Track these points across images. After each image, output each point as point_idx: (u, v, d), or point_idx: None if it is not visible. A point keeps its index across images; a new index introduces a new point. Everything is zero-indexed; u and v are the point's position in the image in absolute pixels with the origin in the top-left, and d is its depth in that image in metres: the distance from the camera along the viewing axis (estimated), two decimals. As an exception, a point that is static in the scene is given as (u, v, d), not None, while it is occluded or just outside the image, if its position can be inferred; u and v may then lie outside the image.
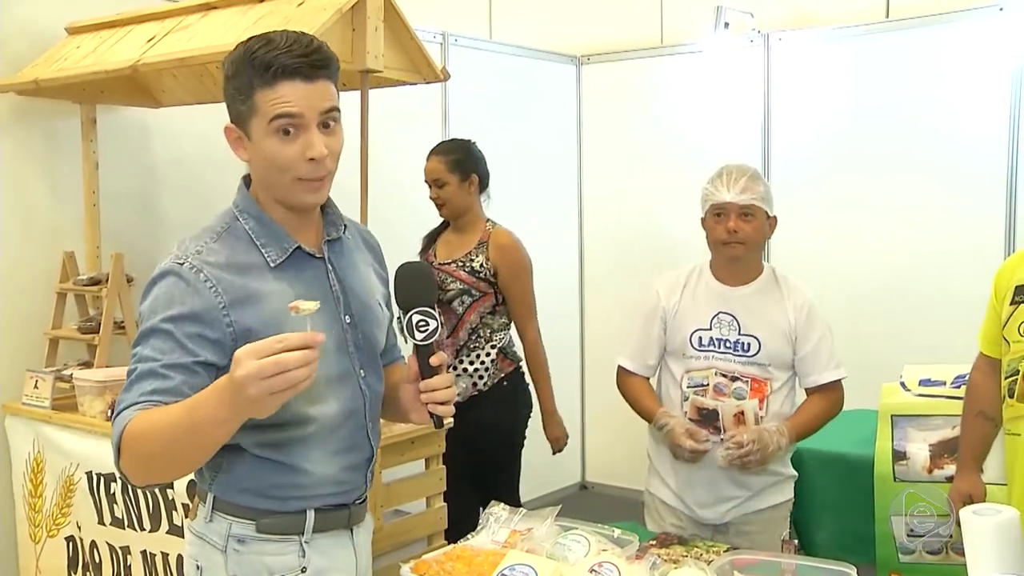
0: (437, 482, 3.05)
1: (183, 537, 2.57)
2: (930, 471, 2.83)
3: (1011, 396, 2.18)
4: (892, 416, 2.93)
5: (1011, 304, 2.22)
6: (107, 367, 3.08)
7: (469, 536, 1.96)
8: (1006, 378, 2.21)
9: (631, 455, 2.38)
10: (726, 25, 4.47)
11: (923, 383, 3.01)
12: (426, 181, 3.28)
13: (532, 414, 3.36)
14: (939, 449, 2.85)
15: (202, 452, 1.41)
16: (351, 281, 1.65)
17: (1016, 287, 2.23)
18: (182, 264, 1.50)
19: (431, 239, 3.37)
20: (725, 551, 2.08)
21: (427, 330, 1.56)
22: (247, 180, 1.61)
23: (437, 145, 3.36)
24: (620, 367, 2.61)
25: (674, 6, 4.96)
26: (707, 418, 2.45)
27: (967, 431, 2.44)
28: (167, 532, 2.67)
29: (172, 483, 2.55)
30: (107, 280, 3.14)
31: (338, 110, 1.54)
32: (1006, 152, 3.86)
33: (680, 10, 4.91)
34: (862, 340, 4.05)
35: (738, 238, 2.42)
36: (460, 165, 3.25)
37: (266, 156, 1.50)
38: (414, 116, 4.12)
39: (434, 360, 1.58)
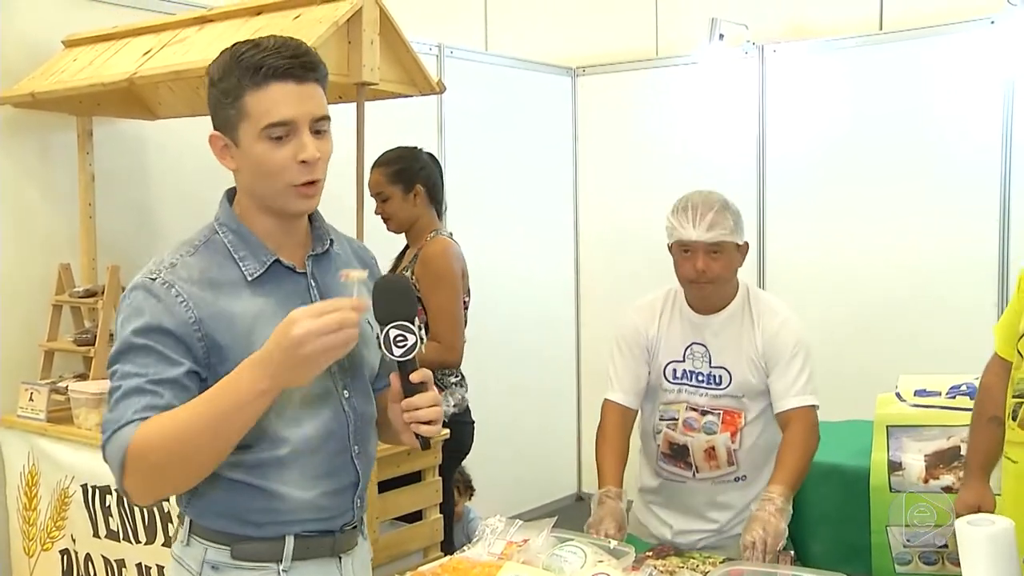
0: (433, 494, 3.05)
1: (178, 550, 2.58)
2: (926, 481, 2.82)
3: (1014, 419, 2.02)
4: (888, 427, 2.92)
5: None
6: (103, 379, 3.07)
7: (465, 548, 1.96)
8: (1013, 397, 2.05)
9: (627, 465, 2.38)
10: (721, 37, 4.49)
11: (919, 393, 3.00)
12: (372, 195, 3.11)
13: (472, 443, 3.26)
14: (935, 459, 2.84)
15: (225, 445, 1.39)
16: (336, 297, 1.59)
17: None
18: (154, 279, 1.47)
19: (399, 257, 3.25)
20: (721, 562, 2.08)
21: (405, 345, 1.48)
22: (230, 194, 1.58)
23: (379, 156, 3.17)
24: (608, 403, 2.43)
25: (669, 18, 4.98)
26: (678, 453, 2.41)
27: (977, 438, 2.25)
28: (162, 545, 2.66)
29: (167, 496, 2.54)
30: (103, 292, 3.14)
31: (328, 119, 1.51)
32: (999, 163, 3.88)
33: (675, 22, 4.94)
34: (858, 350, 4.07)
35: (706, 278, 2.29)
36: (402, 176, 3.09)
37: (257, 162, 1.46)
38: (410, 128, 4.13)
39: (415, 377, 1.50)
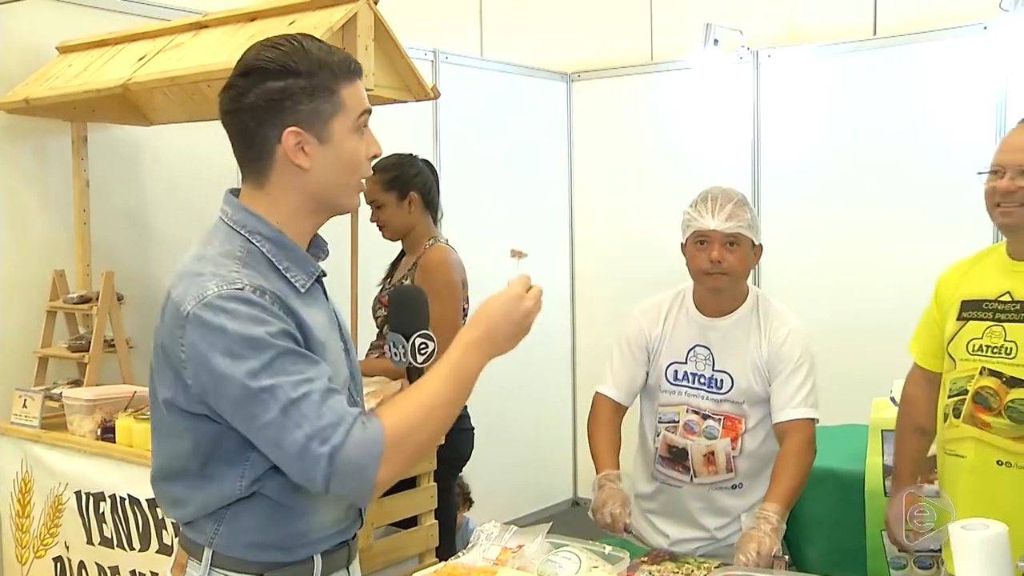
0: (428, 499, 3.04)
1: (172, 557, 2.56)
2: (920, 485, 2.83)
3: (956, 416, 2.13)
4: (883, 431, 2.93)
5: (958, 320, 2.16)
6: (97, 385, 3.06)
7: (460, 554, 1.96)
8: (950, 397, 2.16)
9: (623, 470, 2.38)
10: (716, 42, 4.50)
11: (913, 398, 3.01)
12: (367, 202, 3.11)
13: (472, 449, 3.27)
14: (930, 463, 2.85)
15: (457, 412, 1.45)
16: (338, 308, 1.61)
17: (963, 302, 2.17)
18: (242, 289, 1.36)
19: (394, 264, 3.24)
20: (716, 567, 2.08)
21: (427, 352, 1.58)
22: (236, 195, 1.50)
23: (374, 163, 3.23)
24: (600, 395, 2.46)
25: (664, 23, 4.99)
26: (677, 456, 2.40)
27: (904, 447, 2.37)
28: (157, 552, 2.65)
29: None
30: (97, 298, 3.13)
31: None
32: (993, 168, 3.88)
33: (670, 27, 4.95)
34: (852, 355, 4.07)
35: (722, 268, 2.29)
36: (396, 183, 3.08)
37: (348, 155, 1.46)
38: (405, 134, 4.12)
39: None
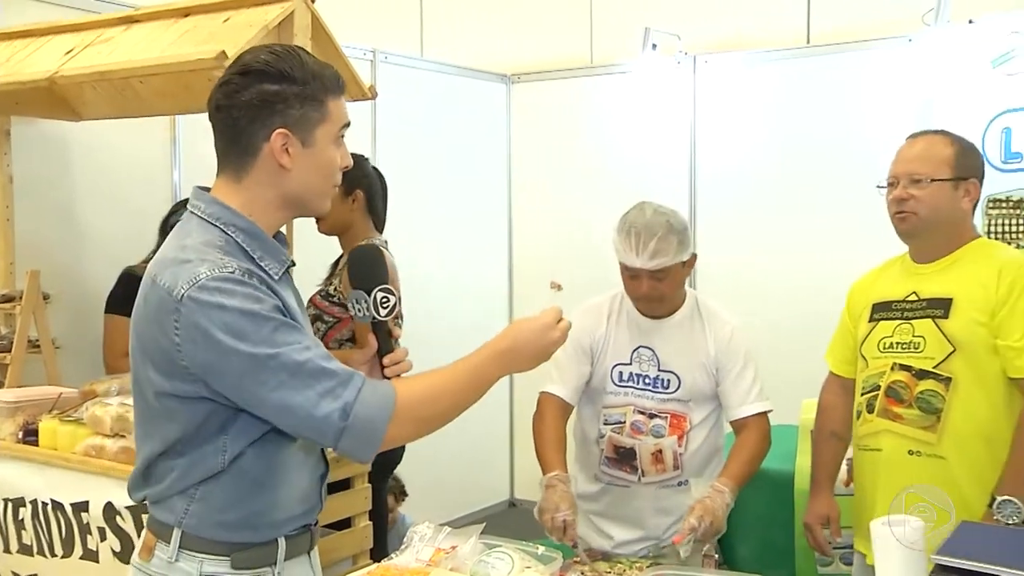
0: (362, 501, 3.02)
1: (97, 563, 2.50)
2: (847, 484, 2.89)
3: (870, 412, 2.24)
4: (812, 431, 2.99)
5: (869, 322, 2.28)
6: (20, 387, 2.98)
7: (393, 555, 1.95)
8: (863, 394, 2.27)
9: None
10: (654, 46, 4.56)
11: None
12: None
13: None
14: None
15: (467, 407, 1.60)
16: (289, 295, 1.67)
17: (874, 305, 2.29)
18: (233, 272, 1.45)
19: (336, 264, 3.20)
20: (648, 567, 2.10)
21: (389, 305, 1.66)
22: (206, 190, 1.57)
23: None
24: (547, 395, 2.45)
25: (603, 27, 5.03)
26: (624, 457, 2.42)
27: (822, 453, 2.46)
28: (80, 558, 2.57)
29: (87, 506, 2.48)
30: (21, 297, 3.05)
31: None
32: (920, 175, 3.99)
33: (609, 31, 4.99)
34: (783, 356, 4.14)
35: (654, 296, 2.34)
36: (345, 178, 3.10)
37: (326, 162, 1.56)
38: (343, 133, 4.11)
39: (396, 332, 1.70)
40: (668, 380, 2.40)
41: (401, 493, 3.87)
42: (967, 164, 2.21)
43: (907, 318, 2.21)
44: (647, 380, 2.41)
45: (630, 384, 2.42)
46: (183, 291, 1.42)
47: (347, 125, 1.59)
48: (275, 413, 1.45)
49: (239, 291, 1.43)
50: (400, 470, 3.49)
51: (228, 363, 1.42)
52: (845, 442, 2.42)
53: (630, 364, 2.42)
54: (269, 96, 1.50)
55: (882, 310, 2.26)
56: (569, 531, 2.16)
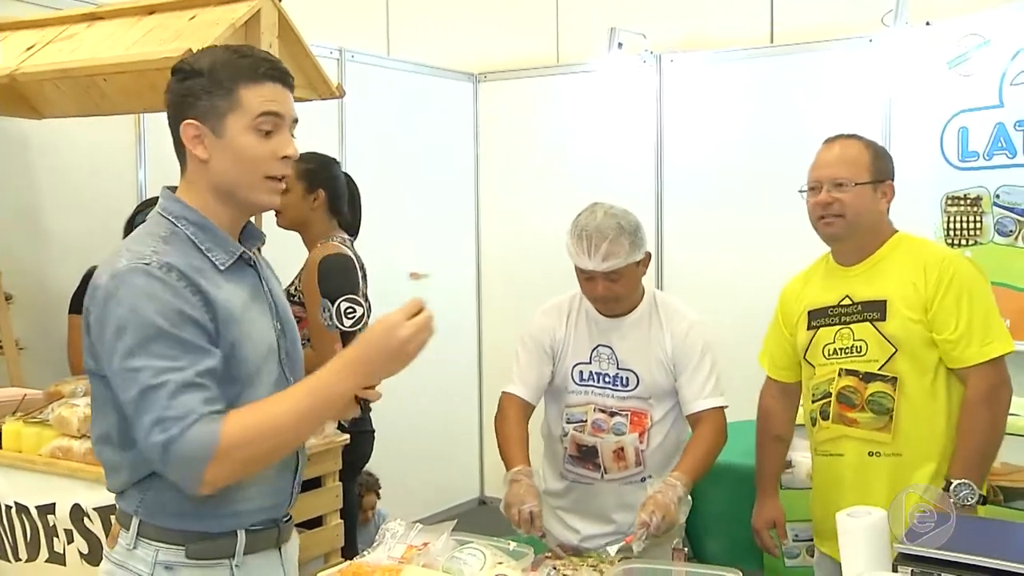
0: (333, 499, 3.02)
1: (64, 566, 2.48)
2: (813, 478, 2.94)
3: (825, 419, 2.29)
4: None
5: (808, 329, 2.34)
6: (-16, 389, 2.94)
7: (365, 552, 1.96)
8: (815, 401, 2.32)
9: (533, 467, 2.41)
10: (620, 45, 4.59)
11: (806, 394, 3.12)
12: None
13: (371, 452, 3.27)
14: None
15: (311, 434, 1.51)
16: (276, 291, 1.69)
17: (809, 312, 2.34)
18: (148, 264, 1.47)
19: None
20: (619, 560, 2.12)
21: (355, 316, 1.59)
22: (172, 190, 1.61)
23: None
24: (507, 395, 2.48)
25: (569, 26, 5.06)
26: (586, 454, 2.44)
27: (765, 457, 2.53)
28: (46, 561, 2.54)
29: (53, 508, 2.45)
30: (-17, 298, 3.01)
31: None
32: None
33: (575, 30, 5.02)
34: (750, 353, 4.19)
35: (610, 296, 2.36)
36: (309, 175, 3.04)
37: (241, 151, 1.53)
38: (310, 132, 4.06)
39: None
40: (627, 378, 2.42)
41: (377, 488, 3.89)
42: (882, 167, 2.29)
43: (845, 323, 2.26)
44: (607, 379, 2.43)
45: (590, 383, 2.44)
46: (101, 281, 1.48)
47: (272, 114, 1.55)
48: (130, 420, 1.47)
49: (141, 286, 1.45)
50: (370, 468, 3.49)
51: (107, 360, 1.47)
52: (787, 443, 2.51)
53: (590, 363, 2.44)
54: (183, 92, 1.55)
55: (819, 317, 2.32)
56: (536, 522, 2.18)
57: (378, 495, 3.89)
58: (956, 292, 2.16)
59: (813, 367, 2.33)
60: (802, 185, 2.34)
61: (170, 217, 1.57)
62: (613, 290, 2.34)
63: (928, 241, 2.39)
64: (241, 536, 1.57)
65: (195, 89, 1.53)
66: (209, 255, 1.55)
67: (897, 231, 2.33)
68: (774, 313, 2.50)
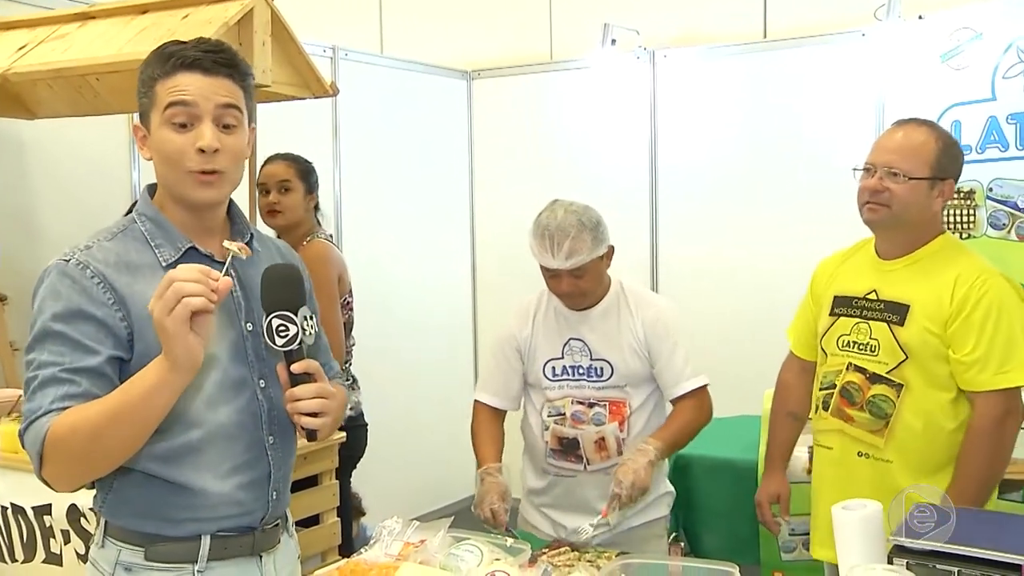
0: (330, 498, 3.02)
1: (61, 566, 2.48)
2: (809, 472, 2.95)
3: (825, 409, 2.27)
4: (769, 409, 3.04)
5: (830, 315, 2.28)
6: (-21, 390, 2.94)
7: (362, 550, 1.96)
8: (821, 389, 2.29)
9: (508, 464, 2.42)
10: (613, 42, 4.59)
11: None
12: (263, 185, 3.06)
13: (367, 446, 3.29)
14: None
15: (142, 431, 1.39)
16: (254, 290, 1.59)
17: (835, 297, 2.28)
18: (68, 261, 1.48)
19: None
20: (616, 555, 2.13)
21: (287, 335, 1.46)
22: (151, 188, 1.62)
23: (279, 153, 3.17)
24: (478, 402, 2.53)
25: (563, 23, 5.06)
26: (568, 447, 2.45)
27: (777, 431, 2.48)
28: (43, 562, 2.55)
29: (50, 509, 2.45)
30: (-23, 299, 3.01)
31: (240, 111, 1.52)
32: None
33: (568, 26, 5.02)
34: (747, 347, 4.20)
35: (576, 292, 2.38)
36: (309, 176, 3.12)
37: (160, 147, 1.50)
38: (304, 131, 4.09)
39: (296, 367, 1.49)
40: (601, 368, 2.42)
41: (359, 507, 3.82)
42: (946, 164, 2.14)
43: (865, 318, 2.20)
44: (580, 371, 2.44)
45: (564, 376, 2.45)
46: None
47: (178, 104, 1.47)
48: None
49: (53, 283, 1.47)
50: (365, 467, 3.48)
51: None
52: (802, 422, 2.44)
53: (562, 358, 2.45)
54: (136, 95, 1.56)
55: (842, 305, 2.27)
56: (498, 518, 2.22)
57: (362, 512, 3.82)
58: (984, 312, 2.05)
59: (826, 355, 2.28)
60: (858, 163, 2.21)
61: (135, 213, 1.59)
62: (579, 286, 2.36)
63: (971, 252, 2.23)
64: (205, 541, 1.54)
65: (137, 91, 1.55)
66: (157, 250, 1.54)
67: (945, 232, 2.22)
68: (807, 288, 2.42)
